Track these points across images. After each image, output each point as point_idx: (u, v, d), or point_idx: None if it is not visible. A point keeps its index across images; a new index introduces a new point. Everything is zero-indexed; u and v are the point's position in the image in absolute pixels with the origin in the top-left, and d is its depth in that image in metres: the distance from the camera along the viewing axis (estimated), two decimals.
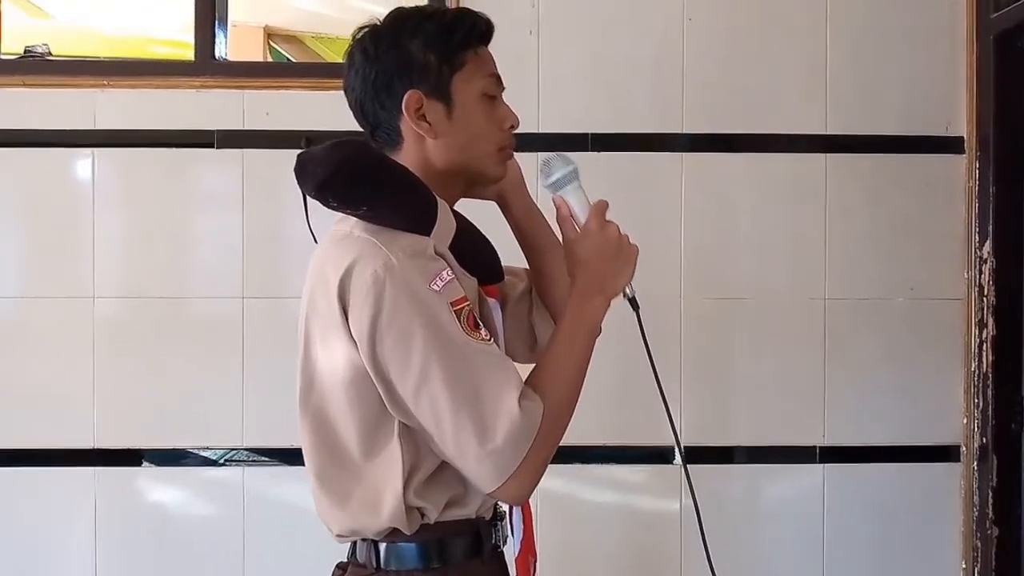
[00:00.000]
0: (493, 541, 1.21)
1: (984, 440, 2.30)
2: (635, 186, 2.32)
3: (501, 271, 1.27)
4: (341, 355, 1.12)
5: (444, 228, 1.15)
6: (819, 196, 2.35)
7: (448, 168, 1.19)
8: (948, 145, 2.36)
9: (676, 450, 1.27)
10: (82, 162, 2.32)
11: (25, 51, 2.45)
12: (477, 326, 1.11)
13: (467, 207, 1.25)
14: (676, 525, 2.31)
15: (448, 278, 1.10)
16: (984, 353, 2.30)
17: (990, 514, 2.29)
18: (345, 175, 1.13)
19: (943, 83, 2.36)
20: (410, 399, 1.09)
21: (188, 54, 2.41)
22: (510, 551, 1.26)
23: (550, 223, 1.32)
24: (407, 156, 1.19)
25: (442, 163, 1.19)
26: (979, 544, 2.32)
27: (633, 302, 1.19)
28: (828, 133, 2.35)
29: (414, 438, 1.12)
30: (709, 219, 2.34)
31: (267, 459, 2.30)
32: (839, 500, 2.34)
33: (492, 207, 1.33)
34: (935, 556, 2.36)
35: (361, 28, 1.21)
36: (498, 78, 1.22)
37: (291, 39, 4.46)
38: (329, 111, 2.05)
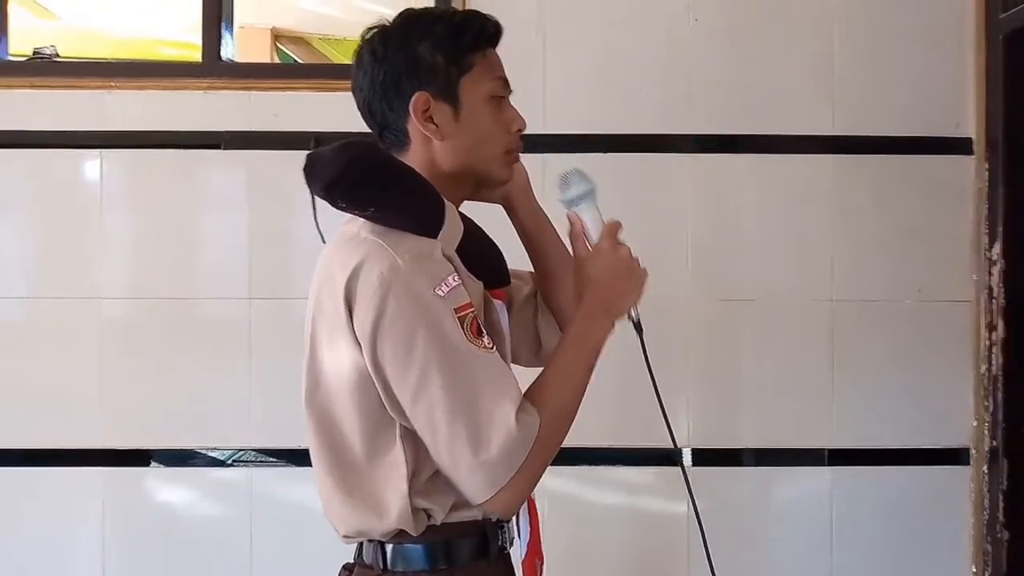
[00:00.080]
0: (500, 543, 1.21)
1: (994, 443, 2.29)
2: (641, 187, 2.32)
3: (507, 275, 1.27)
4: (346, 356, 1.12)
5: (451, 230, 1.15)
6: (826, 197, 2.34)
7: (454, 170, 1.20)
8: (956, 146, 2.35)
9: (678, 458, 1.26)
10: (89, 163, 2.32)
11: (33, 53, 2.46)
12: (480, 333, 1.11)
13: (473, 210, 1.24)
14: (683, 527, 2.30)
15: (454, 283, 1.10)
16: (994, 355, 2.29)
17: (1000, 517, 2.27)
18: (353, 176, 1.13)
19: (951, 83, 2.35)
20: (407, 403, 1.10)
21: (195, 55, 2.42)
22: (517, 553, 1.26)
23: (555, 227, 1.32)
24: (414, 157, 1.19)
25: (449, 165, 1.19)
26: (989, 548, 2.30)
27: (638, 325, 1.19)
28: (835, 134, 2.34)
29: (416, 440, 1.12)
30: (715, 220, 2.33)
31: (274, 460, 2.30)
32: (847, 503, 2.33)
33: (498, 210, 1.33)
34: (944, 560, 2.34)
35: (370, 28, 1.21)
36: (506, 81, 1.22)
37: (298, 40, 4.47)
38: (336, 112, 2.06)
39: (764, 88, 2.33)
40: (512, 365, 1.24)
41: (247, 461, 2.31)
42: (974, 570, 2.34)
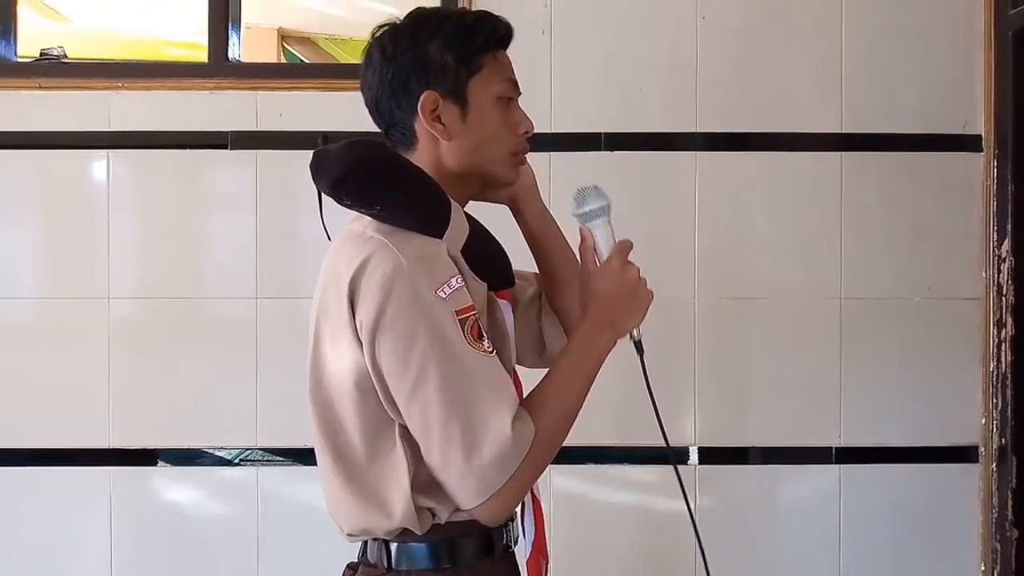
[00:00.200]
0: (504, 541, 1.21)
1: (1003, 441, 2.28)
2: (649, 185, 2.32)
3: (512, 276, 1.27)
4: (347, 355, 1.12)
5: (457, 230, 1.15)
6: (834, 195, 2.33)
7: (461, 170, 1.20)
8: (965, 143, 2.34)
9: (671, 457, 1.27)
10: (97, 163, 2.33)
11: (41, 54, 2.47)
12: (481, 337, 1.10)
13: (479, 210, 1.24)
14: (688, 525, 2.28)
15: (457, 285, 1.10)
16: (1003, 353, 2.28)
17: (1009, 516, 2.26)
18: (360, 174, 1.13)
19: (960, 80, 2.34)
20: (403, 402, 1.10)
21: (203, 56, 2.42)
22: (521, 551, 1.25)
23: (561, 229, 1.32)
24: (421, 156, 1.19)
25: (455, 165, 1.19)
26: (998, 546, 2.29)
27: (639, 345, 1.20)
28: (843, 131, 2.33)
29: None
30: (723, 218, 2.33)
31: (281, 459, 2.30)
32: (855, 501, 2.32)
33: (504, 210, 1.33)
34: (953, 558, 2.33)
35: (381, 26, 1.21)
36: (515, 83, 1.22)
37: (305, 41, 4.48)
38: (342, 112, 2.06)
39: (771, 86, 2.33)
40: (515, 366, 1.24)
41: (254, 460, 2.31)
42: (983, 568, 2.33)
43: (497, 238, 1.25)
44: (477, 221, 1.21)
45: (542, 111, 2.25)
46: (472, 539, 1.15)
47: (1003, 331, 2.28)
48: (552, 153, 2.25)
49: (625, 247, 1.18)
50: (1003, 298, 2.29)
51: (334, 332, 1.13)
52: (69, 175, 2.34)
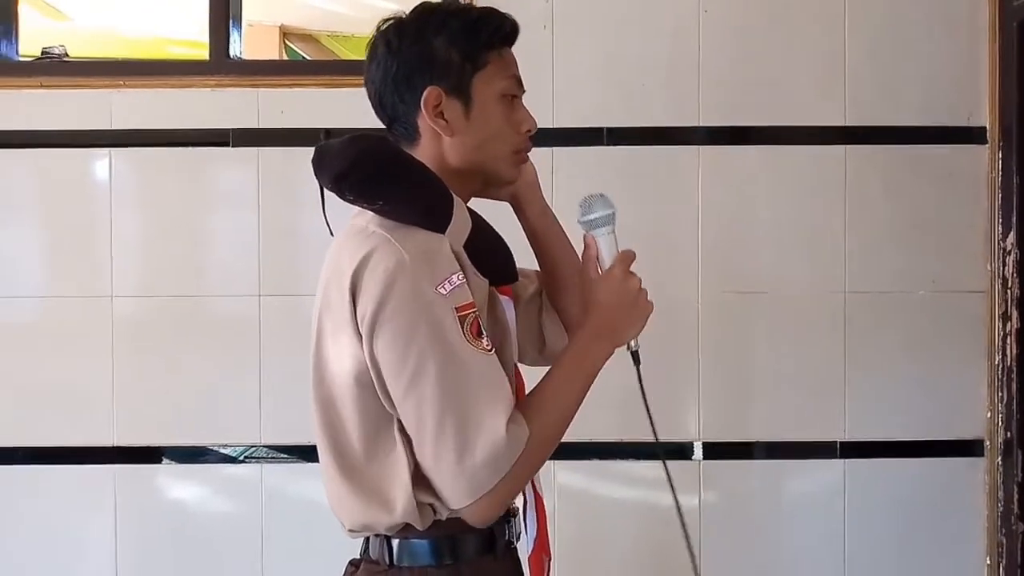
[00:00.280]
0: (506, 538, 1.21)
1: (1008, 434, 2.27)
2: (651, 180, 2.31)
3: (515, 272, 1.26)
4: (348, 350, 1.12)
5: (459, 225, 1.15)
6: (838, 188, 2.32)
7: (462, 167, 1.19)
8: (970, 135, 2.33)
9: (660, 452, 1.27)
10: (98, 162, 2.33)
11: (42, 52, 2.47)
12: (480, 334, 1.10)
13: (482, 207, 1.24)
14: (695, 521, 2.29)
15: (458, 282, 1.09)
16: (1008, 346, 2.27)
17: (1015, 509, 2.25)
18: (362, 168, 1.13)
19: (964, 72, 2.32)
20: (398, 397, 1.09)
21: (205, 55, 2.42)
22: (524, 548, 1.25)
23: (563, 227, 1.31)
24: (423, 152, 1.19)
25: (457, 161, 1.19)
26: (1004, 540, 2.29)
27: (635, 356, 1.20)
28: (847, 124, 2.32)
29: None
30: (727, 212, 2.32)
31: (286, 456, 2.30)
32: (860, 496, 2.32)
33: (507, 207, 1.32)
34: (958, 552, 2.33)
35: (386, 20, 1.21)
36: (519, 80, 1.22)
37: (307, 38, 4.48)
38: (344, 109, 2.06)
39: (774, 79, 2.32)
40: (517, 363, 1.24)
41: (258, 458, 2.31)
42: (988, 562, 2.32)
43: (500, 234, 1.25)
44: (480, 216, 1.21)
45: (544, 106, 2.24)
46: (474, 535, 1.15)
47: (1008, 324, 2.27)
48: (554, 148, 2.25)
49: (628, 257, 1.18)
50: (1008, 291, 2.28)
51: (336, 327, 1.13)
52: (71, 174, 2.34)
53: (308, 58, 4.34)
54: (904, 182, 2.33)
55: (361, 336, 1.10)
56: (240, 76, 2.34)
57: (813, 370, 2.32)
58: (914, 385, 2.32)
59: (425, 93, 1.16)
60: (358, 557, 1.22)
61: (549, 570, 1.28)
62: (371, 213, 1.15)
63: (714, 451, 2.31)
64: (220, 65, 2.36)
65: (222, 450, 2.32)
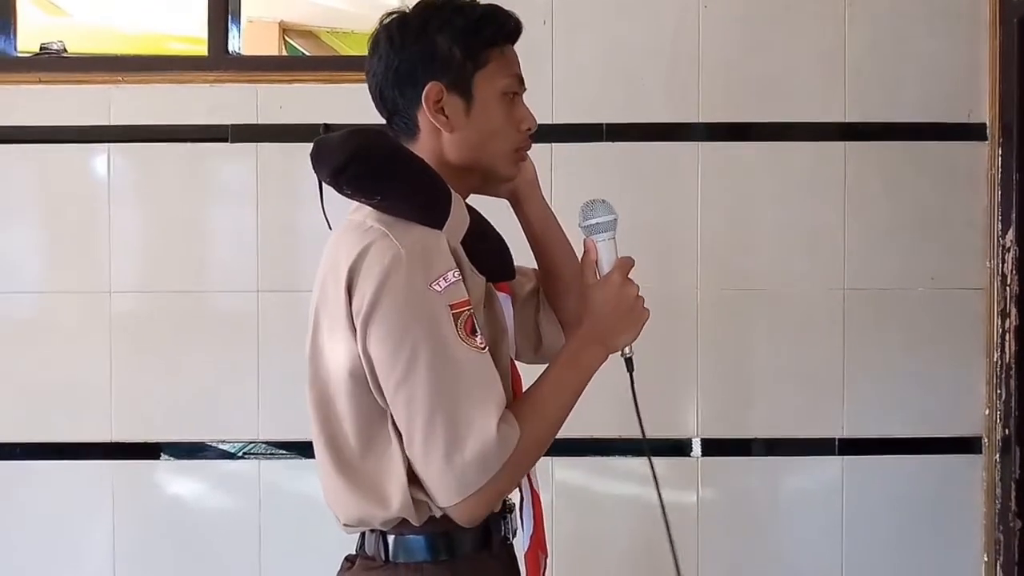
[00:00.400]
0: (502, 534, 1.21)
1: (1006, 432, 2.27)
2: (651, 176, 2.31)
3: (513, 269, 1.26)
4: (343, 345, 1.12)
5: (457, 221, 1.14)
6: (838, 184, 2.32)
7: (461, 163, 1.19)
8: (970, 132, 2.32)
9: (646, 449, 1.27)
10: (97, 157, 2.33)
11: (41, 48, 2.47)
12: (474, 332, 1.10)
13: (481, 204, 1.24)
14: (692, 518, 2.30)
15: (453, 279, 1.09)
16: (1007, 343, 2.27)
17: (1012, 507, 2.25)
18: (360, 163, 1.13)
19: (965, 68, 2.32)
20: (390, 392, 1.09)
21: (204, 50, 2.42)
22: (520, 544, 1.25)
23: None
24: (422, 147, 1.19)
25: (456, 158, 1.19)
26: (1001, 537, 2.29)
27: (629, 363, 1.20)
28: (847, 121, 2.32)
29: None
30: (726, 209, 2.32)
31: (285, 452, 2.30)
32: (859, 493, 2.32)
33: (506, 204, 1.32)
34: (956, 549, 2.33)
35: (390, 14, 1.21)
36: (521, 78, 1.22)
37: (306, 34, 4.47)
38: (343, 105, 2.06)
39: (774, 75, 2.31)
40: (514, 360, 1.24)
41: (257, 454, 2.31)
42: (986, 559, 2.33)
43: (499, 231, 1.24)
44: (478, 213, 1.21)
45: (543, 101, 2.24)
46: (470, 532, 1.15)
47: (1007, 321, 2.27)
48: (553, 144, 2.25)
49: (626, 264, 1.18)
50: (1007, 288, 2.27)
51: (332, 322, 1.13)
52: (69, 169, 2.34)
53: (307, 54, 4.33)
54: (904, 179, 2.33)
55: (356, 331, 1.10)
56: (239, 72, 2.34)
57: (812, 367, 2.32)
58: (913, 382, 2.32)
59: (426, 88, 1.16)
60: (354, 553, 1.22)
61: (545, 567, 1.27)
62: (369, 208, 1.14)
63: (713, 448, 2.31)
64: (219, 61, 2.35)
65: (220, 446, 2.32)
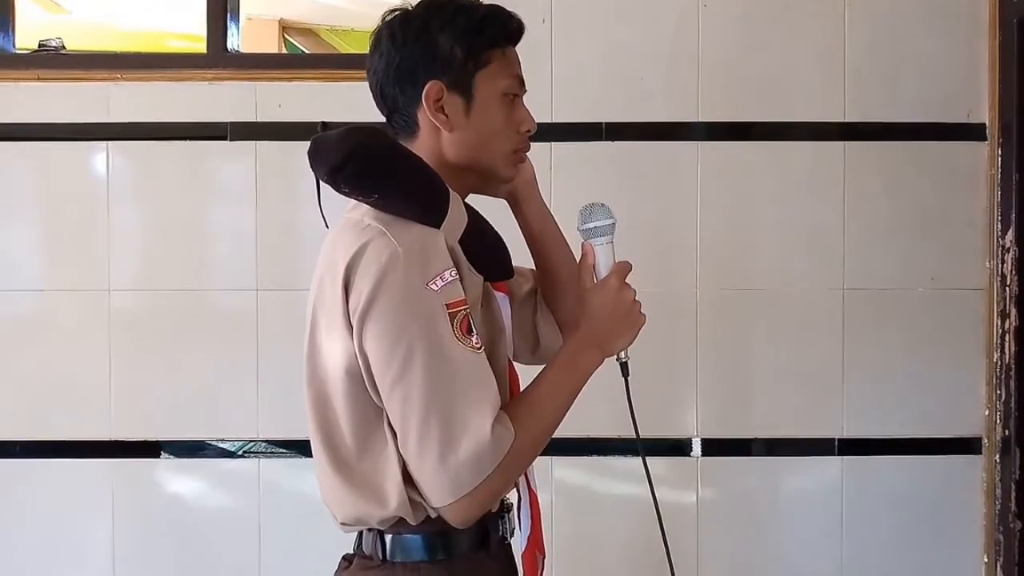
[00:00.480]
0: (500, 533, 1.21)
1: (1006, 432, 2.27)
2: (650, 175, 2.30)
3: (511, 268, 1.26)
4: (340, 342, 1.12)
5: (455, 220, 1.14)
6: (838, 184, 2.32)
7: (460, 163, 1.19)
8: (970, 132, 2.32)
9: (640, 449, 1.27)
10: (96, 155, 2.33)
11: (39, 45, 2.46)
12: (470, 332, 1.10)
13: (478, 204, 1.23)
14: (692, 517, 2.29)
15: (450, 278, 1.09)
16: (1007, 344, 2.27)
17: (1012, 507, 2.25)
18: (358, 161, 1.13)
19: (964, 68, 2.32)
20: (385, 391, 1.09)
21: (203, 48, 2.41)
22: (518, 544, 1.25)
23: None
24: (421, 146, 1.19)
25: (455, 157, 1.19)
26: (1001, 538, 2.29)
27: (624, 367, 1.20)
28: (847, 120, 2.32)
29: None
30: (725, 209, 2.32)
31: (284, 451, 2.30)
32: (858, 493, 2.32)
33: (505, 204, 1.32)
34: (956, 550, 2.33)
35: (393, 11, 1.21)
36: (521, 79, 1.22)
37: (306, 32, 4.47)
38: (342, 102, 2.06)
39: (774, 74, 2.31)
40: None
41: (257, 452, 2.31)
42: (986, 560, 2.32)
43: (497, 231, 1.24)
44: (477, 212, 1.21)
45: (543, 100, 2.24)
46: (467, 531, 1.15)
47: (1007, 322, 2.27)
48: (552, 143, 2.24)
49: (624, 269, 1.18)
50: (1007, 288, 2.27)
51: (329, 320, 1.13)
52: (68, 167, 2.33)
53: (307, 52, 4.33)
54: (903, 179, 2.33)
55: (352, 329, 1.10)
56: (238, 69, 2.33)
57: (812, 367, 2.32)
58: (912, 382, 2.32)
59: (426, 87, 1.16)
60: (351, 552, 1.22)
61: (543, 567, 1.27)
62: (366, 206, 1.14)
63: (712, 448, 2.31)
64: (218, 58, 2.35)
65: (220, 444, 2.32)
